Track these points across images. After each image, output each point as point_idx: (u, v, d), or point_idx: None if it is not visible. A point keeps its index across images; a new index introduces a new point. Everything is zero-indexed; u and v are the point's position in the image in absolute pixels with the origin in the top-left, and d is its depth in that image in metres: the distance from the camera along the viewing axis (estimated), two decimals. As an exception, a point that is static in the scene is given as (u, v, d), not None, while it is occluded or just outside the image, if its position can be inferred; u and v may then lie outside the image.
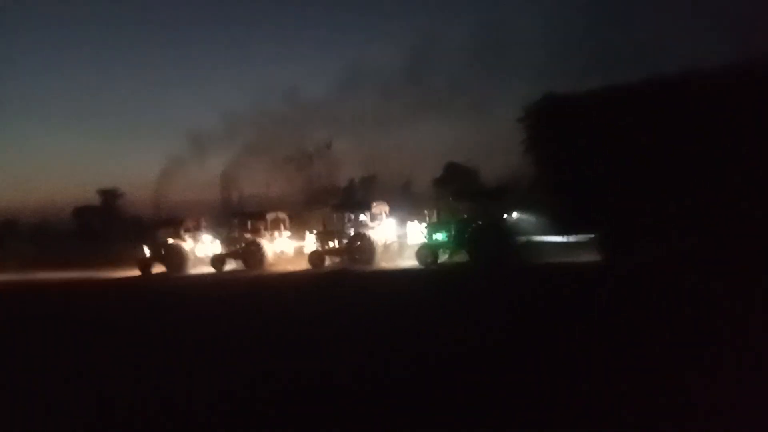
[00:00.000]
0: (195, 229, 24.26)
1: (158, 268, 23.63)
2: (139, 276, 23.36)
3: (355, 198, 23.52)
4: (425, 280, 16.33)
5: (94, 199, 41.10)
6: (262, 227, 22.83)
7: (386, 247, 20.59)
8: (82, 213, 40.65)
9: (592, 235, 15.51)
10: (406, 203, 23.93)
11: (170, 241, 23.74)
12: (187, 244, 23.77)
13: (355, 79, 35.41)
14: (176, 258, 23.39)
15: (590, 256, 15.57)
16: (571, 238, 16.26)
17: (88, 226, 39.89)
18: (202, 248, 23.87)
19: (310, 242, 21.81)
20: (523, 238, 17.29)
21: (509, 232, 17.52)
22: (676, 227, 14.40)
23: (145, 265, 23.74)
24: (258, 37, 74.02)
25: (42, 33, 72.82)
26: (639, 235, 14.71)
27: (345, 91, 40.04)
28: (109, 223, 38.05)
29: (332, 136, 35.56)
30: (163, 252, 23.62)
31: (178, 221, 24.51)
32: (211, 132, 37.34)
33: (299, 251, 22.45)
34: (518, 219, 17.87)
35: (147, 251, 23.91)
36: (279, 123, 35.38)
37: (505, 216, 17.99)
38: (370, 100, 35.39)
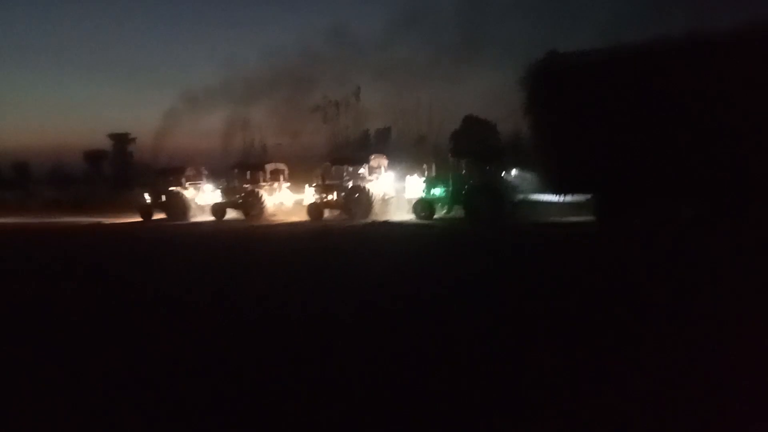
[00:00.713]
0: (196, 178, 24.37)
1: (160, 215, 23.87)
2: (141, 222, 23.62)
3: (355, 151, 23.41)
4: (414, 234, 16.23)
5: (106, 144, 40.91)
6: (261, 178, 22.86)
7: (384, 200, 20.55)
8: (92, 157, 40.80)
9: (588, 196, 15.29)
10: (414, 156, 23.73)
11: (172, 189, 23.89)
12: (189, 192, 23.93)
13: (390, 29, 34.96)
14: (177, 206, 23.59)
15: (586, 217, 15.45)
16: (567, 198, 16.03)
17: (98, 170, 40.12)
18: (202, 197, 24.01)
19: (309, 195, 21.83)
20: (519, 197, 17.19)
21: (504, 190, 17.39)
22: (675, 193, 14.16)
23: (146, 211, 24.00)
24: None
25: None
26: (635, 198, 14.49)
27: (378, 42, 39.46)
28: (121, 168, 38.13)
29: (360, 86, 34.97)
30: (164, 199, 23.82)
31: (180, 170, 24.60)
32: (232, 79, 36.61)
33: (299, 203, 22.48)
34: (515, 177, 17.69)
35: (149, 198, 24.14)
36: (301, 73, 34.83)
37: (502, 174, 17.83)
38: (398, 51, 35.00)
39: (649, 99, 13.60)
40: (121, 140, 40.10)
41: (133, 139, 39.96)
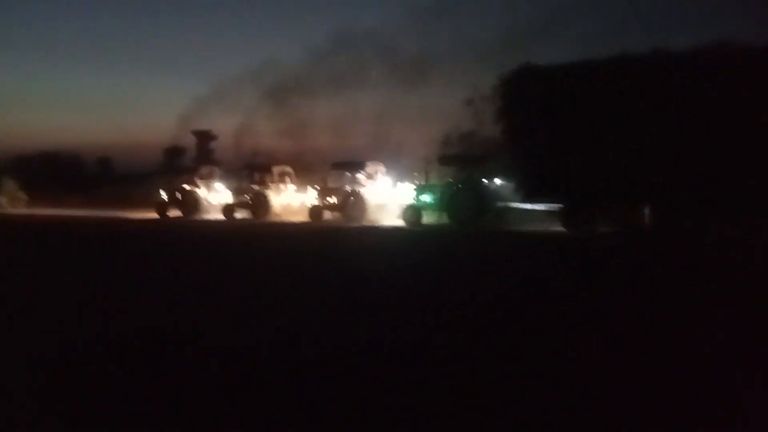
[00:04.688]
0: (209, 178, 25.77)
1: (174, 213, 25.32)
2: (157, 219, 25.09)
3: (355, 157, 24.35)
4: (399, 239, 16.98)
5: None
6: (269, 179, 24.07)
7: (378, 205, 21.38)
8: (171, 153, 41.54)
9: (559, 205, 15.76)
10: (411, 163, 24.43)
11: (186, 187, 25.34)
12: (201, 191, 25.34)
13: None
14: (191, 203, 25.03)
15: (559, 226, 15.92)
16: (545, 207, 16.52)
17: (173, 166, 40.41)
18: (215, 196, 25.39)
19: (312, 197, 22.92)
20: (501, 204, 17.74)
21: (488, 196, 17.99)
22: (642, 203, 14.59)
23: (162, 208, 25.48)
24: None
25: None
26: (602, 208, 14.96)
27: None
28: (200, 164, 37.09)
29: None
30: (178, 197, 25.27)
31: (193, 169, 26.03)
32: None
33: (303, 204, 23.57)
34: (498, 185, 18.25)
35: (164, 196, 25.64)
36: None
37: (486, 181, 18.41)
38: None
39: (614, 110, 14.11)
40: (204, 137, 40.36)
41: (215, 137, 40.27)
